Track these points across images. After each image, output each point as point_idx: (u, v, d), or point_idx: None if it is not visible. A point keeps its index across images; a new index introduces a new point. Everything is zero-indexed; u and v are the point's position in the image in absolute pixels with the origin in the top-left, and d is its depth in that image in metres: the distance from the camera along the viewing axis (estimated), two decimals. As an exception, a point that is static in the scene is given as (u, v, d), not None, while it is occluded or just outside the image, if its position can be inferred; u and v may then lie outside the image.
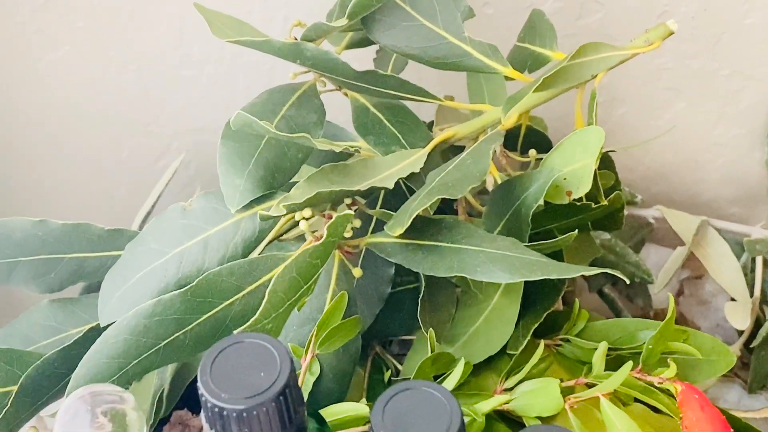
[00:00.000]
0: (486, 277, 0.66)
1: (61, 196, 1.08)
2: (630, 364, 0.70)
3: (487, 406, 0.69)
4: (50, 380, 0.73)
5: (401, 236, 0.70)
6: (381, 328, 0.79)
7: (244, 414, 0.57)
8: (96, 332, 0.73)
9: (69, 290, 0.83)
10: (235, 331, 0.66)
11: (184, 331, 0.69)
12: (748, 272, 1.01)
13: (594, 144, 0.71)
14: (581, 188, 0.72)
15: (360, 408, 0.70)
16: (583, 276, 1.00)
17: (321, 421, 0.63)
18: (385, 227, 0.70)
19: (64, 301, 0.82)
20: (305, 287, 0.66)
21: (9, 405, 0.71)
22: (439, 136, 0.80)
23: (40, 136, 1.04)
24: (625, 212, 1.14)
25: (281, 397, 0.57)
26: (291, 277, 0.65)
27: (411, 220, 0.68)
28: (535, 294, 0.77)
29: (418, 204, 0.68)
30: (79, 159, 1.06)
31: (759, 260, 1.00)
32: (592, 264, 0.94)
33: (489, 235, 0.69)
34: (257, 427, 0.57)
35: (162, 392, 0.75)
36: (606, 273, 0.97)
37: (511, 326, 0.76)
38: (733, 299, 0.99)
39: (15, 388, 0.72)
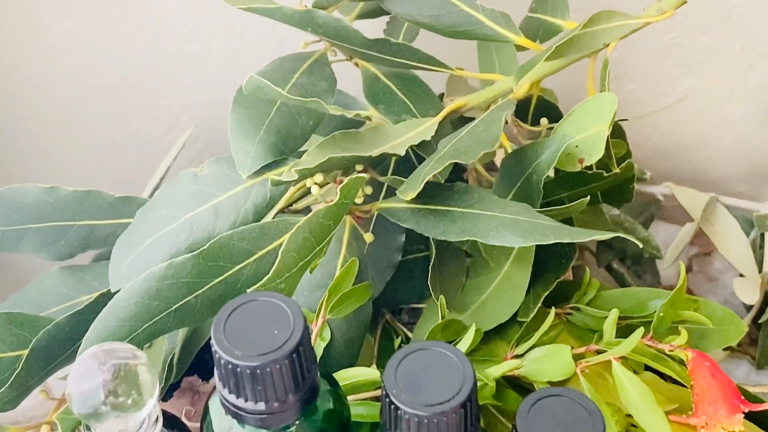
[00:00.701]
0: (498, 241, 0.66)
1: (69, 170, 1.08)
2: (641, 330, 0.70)
3: (497, 371, 0.69)
4: (61, 344, 0.73)
5: (413, 201, 0.70)
6: (391, 295, 0.79)
7: (258, 371, 0.57)
8: (107, 298, 0.72)
9: (79, 259, 0.83)
10: (248, 290, 0.66)
11: (195, 294, 0.69)
12: (757, 249, 1.00)
13: (607, 110, 0.71)
14: (594, 155, 0.71)
15: (371, 372, 0.69)
16: (591, 252, 1.00)
17: (334, 383, 0.63)
18: (397, 191, 0.70)
19: (74, 269, 0.82)
20: (318, 248, 0.66)
21: (19, 368, 0.71)
22: (450, 106, 0.80)
23: (48, 108, 1.04)
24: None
25: (295, 355, 0.57)
26: (304, 237, 0.65)
27: (423, 183, 0.67)
28: (545, 263, 0.77)
29: (431, 168, 0.68)
30: (88, 132, 1.06)
31: (768, 236, 1.00)
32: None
33: (501, 200, 0.69)
34: (270, 384, 0.57)
35: (172, 358, 0.75)
36: (615, 249, 0.98)
37: (521, 294, 0.76)
38: (741, 275, 0.99)
39: (26, 352, 0.72)
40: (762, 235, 1.01)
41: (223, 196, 0.74)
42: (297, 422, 0.60)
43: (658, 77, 1.05)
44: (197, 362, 0.77)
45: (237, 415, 0.59)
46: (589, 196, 0.71)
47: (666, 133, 1.10)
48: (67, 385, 0.59)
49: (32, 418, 0.82)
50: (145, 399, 0.58)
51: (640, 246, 0.69)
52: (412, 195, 0.68)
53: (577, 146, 0.73)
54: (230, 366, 0.57)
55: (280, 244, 0.68)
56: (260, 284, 0.64)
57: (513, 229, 0.66)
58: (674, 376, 0.71)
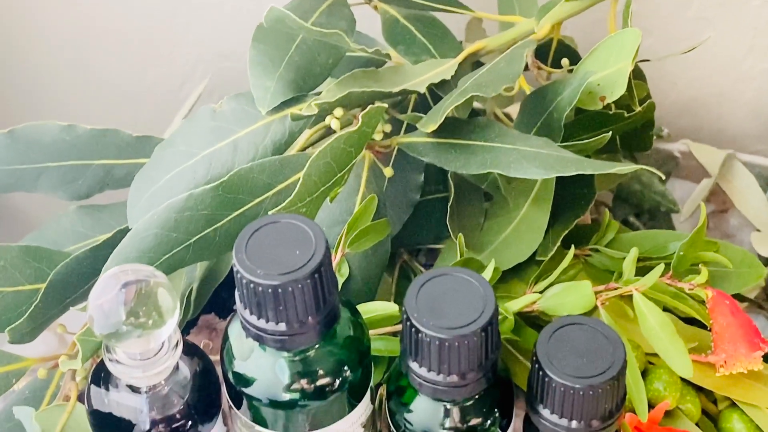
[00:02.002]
0: (519, 173, 0.66)
1: (84, 122, 1.08)
2: (662, 266, 0.70)
3: (517, 304, 0.69)
4: (79, 278, 0.72)
5: (433, 135, 0.69)
6: (409, 235, 0.78)
7: (279, 290, 0.56)
8: (124, 234, 0.72)
9: (95, 199, 0.82)
10: (270, 212, 0.65)
11: (214, 228, 0.69)
12: (774, 203, 1.00)
13: (630, 46, 0.70)
14: (616, 92, 0.71)
15: (390, 307, 0.69)
16: (607, 207, 1.00)
17: (354, 311, 0.63)
18: (417, 125, 0.69)
19: (91, 208, 0.82)
20: (339, 175, 0.65)
21: (38, 300, 0.70)
22: (470, 47, 0.79)
23: (64, 59, 1.04)
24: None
25: (316, 275, 0.57)
26: (325, 162, 0.65)
27: (444, 116, 0.67)
28: (564, 205, 0.77)
29: (452, 101, 0.68)
30: (104, 83, 1.06)
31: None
32: (619, 188, 0.94)
33: (522, 134, 0.69)
34: (291, 304, 0.57)
35: (190, 295, 0.75)
36: (631, 203, 0.97)
37: (540, 234, 0.75)
38: (758, 231, 0.98)
39: (43, 285, 0.71)
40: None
41: (242, 132, 0.74)
42: (317, 346, 0.60)
43: (676, 32, 1.04)
44: (214, 300, 0.77)
45: (258, 336, 0.59)
46: (610, 132, 0.70)
47: (684, 89, 1.09)
48: (88, 305, 0.59)
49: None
50: (165, 319, 0.58)
51: (662, 178, 0.68)
52: (433, 127, 0.67)
53: (599, 84, 0.72)
54: (252, 285, 0.57)
55: (300, 179, 0.68)
56: (281, 207, 0.64)
57: (534, 161, 0.66)
58: (694, 314, 0.71)
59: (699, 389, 0.73)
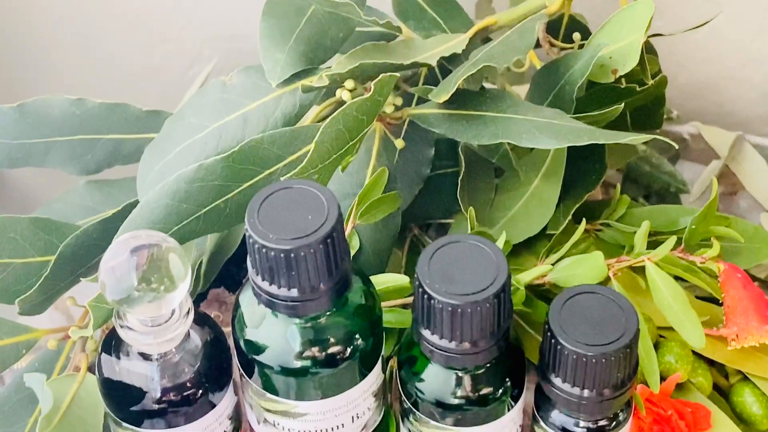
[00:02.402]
0: (531, 143, 0.66)
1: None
2: (674, 238, 0.70)
3: (528, 276, 0.68)
4: (88, 251, 0.72)
5: (444, 107, 0.69)
6: (419, 210, 0.78)
7: (291, 254, 0.56)
8: (134, 207, 0.72)
9: (105, 174, 0.82)
10: (282, 178, 0.65)
11: (224, 199, 0.68)
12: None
13: (643, 18, 0.70)
14: (628, 64, 0.71)
15: (401, 278, 0.69)
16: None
17: (366, 281, 0.63)
18: (429, 95, 0.69)
19: (100, 183, 0.82)
20: (351, 144, 0.65)
21: (48, 272, 0.70)
22: (480, 23, 0.79)
23: (71, 39, 1.03)
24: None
25: (328, 240, 0.57)
26: (338, 129, 0.64)
27: (456, 86, 0.67)
28: (575, 180, 0.77)
29: (464, 72, 0.68)
30: (111, 64, 1.06)
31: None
32: (629, 169, 0.94)
33: (534, 106, 0.68)
34: (303, 269, 0.57)
35: (200, 268, 0.75)
36: (640, 184, 0.97)
37: (551, 209, 0.75)
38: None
39: (53, 257, 0.71)
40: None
41: (252, 105, 0.74)
42: (328, 313, 0.60)
43: (686, 13, 1.04)
44: (224, 274, 0.77)
45: (269, 302, 0.59)
46: (622, 105, 0.70)
47: (694, 71, 1.08)
48: (99, 270, 0.59)
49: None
50: (177, 284, 0.58)
51: (676, 147, 0.68)
52: (445, 97, 0.67)
53: (611, 57, 0.72)
54: (264, 250, 0.57)
55: (310, 149, 0.68)
56: (294, 173, 0.64)
57: (546, 131, 0.66)
58: (705, 288, 0.71)
59: (710, 363, 0.73)
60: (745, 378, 0.72)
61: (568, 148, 0.77)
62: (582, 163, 0.78)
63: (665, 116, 1.05)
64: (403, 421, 0.66)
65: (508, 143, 0.73)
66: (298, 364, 0.60)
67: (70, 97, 0.80)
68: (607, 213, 0.77)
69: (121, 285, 0.58)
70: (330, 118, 0.64)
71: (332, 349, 0.60)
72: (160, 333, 0.60)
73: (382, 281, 0.69)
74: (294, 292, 0.58)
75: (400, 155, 0.75)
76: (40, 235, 0.73)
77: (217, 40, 1.05)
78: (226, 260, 0.77)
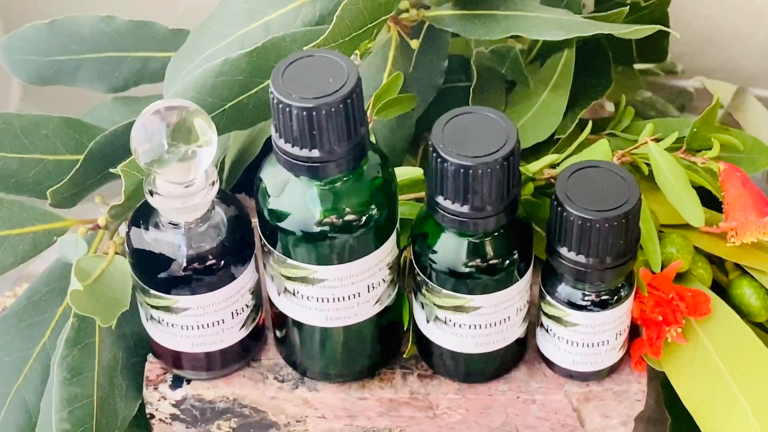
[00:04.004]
0: (541, 35, 0.69)
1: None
2: (675, 134, 0.73)
3: (537, 165, 0.72)
4: (117, 150, 0.75)
5: (458, 8, 0.73)
6: (432, 120, 0.80)
7: (313, 113, 0.60)
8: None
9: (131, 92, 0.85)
10: (304, 48, 0.69)
11: (248, 94, 0.72)
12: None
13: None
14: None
15: (416, 171, 0.72)
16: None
17: (384, 158, 0.66)
18: (444, -6, 0.73)
19: (127, 99, 0.86)
20: (369, 26, 0.69)
21: (79, 166, 0.74)
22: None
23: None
24: (666, 81, 1.16)
25: (348, 101, 0.60)
26: (357, 8, 0.68)
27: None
28: (582, 92, 0.80)
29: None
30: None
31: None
32: (636, 111, 0.97)
33: (544, 6, 0.72)
34: (324, 127, 0.60)
35: (222, 172, 0.78)
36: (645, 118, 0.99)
37: (559, 117, 0.79)
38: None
39: (83, 155, 0.75)
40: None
41: (274, 14, 0.77)
42: (346, 178, 0.63)
43: (691, -31, 1.07)
44: (245, 180, 0.80)
45: (291, 165, 0.62)
46: (628, 7, 0.74)
47: (699, 28, 1.11)
48: (132, 135, 0.62)
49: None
50: (204, 144, 0.62)
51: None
52: (459, -9, 0.71)
53: (617, -29, 0.76)
54: (287, 110, 0.60)
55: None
56: (314, 44, 0.67)
57: (555, 24, 0.69)
58: (706, 186, 0.74)
59: (710, 262, 0.76)
60: (743, 274, 0.75)
61: (576, 62, 0.80)
62: (589, 79, 0.81)
63: (670, 70, 1.08)
64: (416, 296, 0.69)
65: (519, 49, 0.76)
66: (317, 228, 0.64)
67: (99, 15, 0.83)
68: (612, 124, 0.80)
69: (152, 143, 0.61)
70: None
71: (349, 216, 0.64)
72: (187, 198, 0.64)
73: (398, 174, 0.72)
74: (315, 153, 0.61)
75: (415, 65, 0.78)
76: (70, 134, 0.77)
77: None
78: (247, 167, 0.80)
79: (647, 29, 0.70)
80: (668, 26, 0.86)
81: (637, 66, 0.94)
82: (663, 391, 0.75)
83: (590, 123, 0.76)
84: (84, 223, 0.75)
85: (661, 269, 0.71)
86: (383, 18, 0.70)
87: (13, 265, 0.73)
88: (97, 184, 0.77)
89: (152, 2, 1.06)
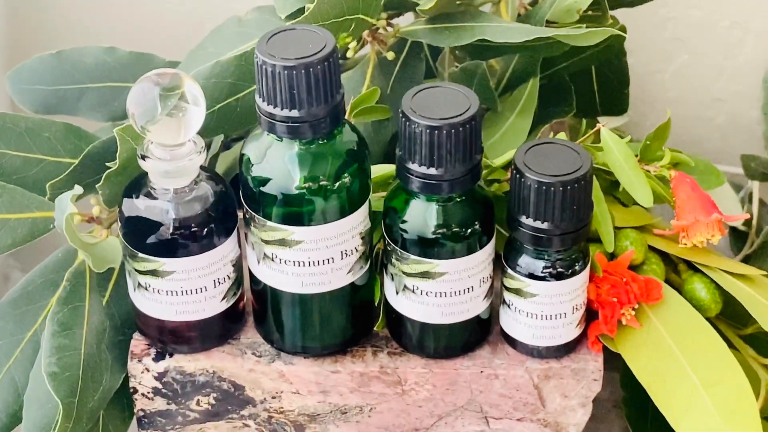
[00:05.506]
0: (504, 38, 0.76)
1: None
2: (629, 137, 0.79)
3: (500, 160, 0.77)
4: (112, 156, 0.81)
5: (431, 22, 0.80)
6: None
7: (294, 72, 0.66)
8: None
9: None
10: (287, 23, 0.75)
11: (236, 97, 0.78)
12: (745, 203, 1.08)
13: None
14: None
15: (388, 167, 0.78)
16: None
17: (361, 138, 0.72)
18: (417, 9, 0.80)
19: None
20: (346, 18, 0.75)
21: (77, 164, 0.79)
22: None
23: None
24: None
25: (326, 63, 0.67)
26: (337, -3, 0.75)
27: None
28: (546, 115, 0.87)
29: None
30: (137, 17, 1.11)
31: (756, 189, 1.08)
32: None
33: (508, 21, 0.79)
34: (303, 87, 0.67)
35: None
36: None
37: (524, 137, 0.85)
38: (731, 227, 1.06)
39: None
40: (750, 195, 1.09)
41: (264, 37, 0.84)
42: (323, 141, 0.69)
43: (655, 52, 1.15)
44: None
45: (271, 125, 0.68)
46: (584, 26, 0.80)
47: (662, 111, 1.18)
48: (127, 102, 0.69)
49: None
50: (193, 104, 0.68)
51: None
52: (431, 4, 0.78)
53: (574, 1, 0.83)
54: (270, 70, 0.66)
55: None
56: (297, 20, 0.74)
57: (517, 30, 0.76)
58: (659, 191, 0.80)
59: (664, 263, 0.81)
60: (695, 272, 0.80)
61: (542, 95, 0.87)
62: (552, 107, 0.88)
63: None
64: (386, 270, 0.74)
65: (485, 67, 0.83)
66: (296, 190, 0.69)
67: (102, 46, 0.91)
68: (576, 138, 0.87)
69: (146, 104, 0.67)
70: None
71: (324, 179, 0.69)
72: (176, 162, 0.69)
73: (372, 171, 0.78)
74: (294, 113, 0.67)
75: (394, 82, 0.85)
76: (71, 139, 0.83)
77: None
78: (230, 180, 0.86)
79: (600, 32, 0.76)
80: (628, 85, 0.93)
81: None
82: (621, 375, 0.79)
83: (552, 133, 0.83)
84: (79, 214, 0.80)
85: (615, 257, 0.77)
86: (360, 16, 0.77)
87: (10, 248, 0.78)
88: (93, 186, 0.82)
89: (151, 35, 1.10)
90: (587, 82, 0.94)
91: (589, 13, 0.84)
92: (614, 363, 0.80)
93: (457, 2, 0.82)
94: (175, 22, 1.10)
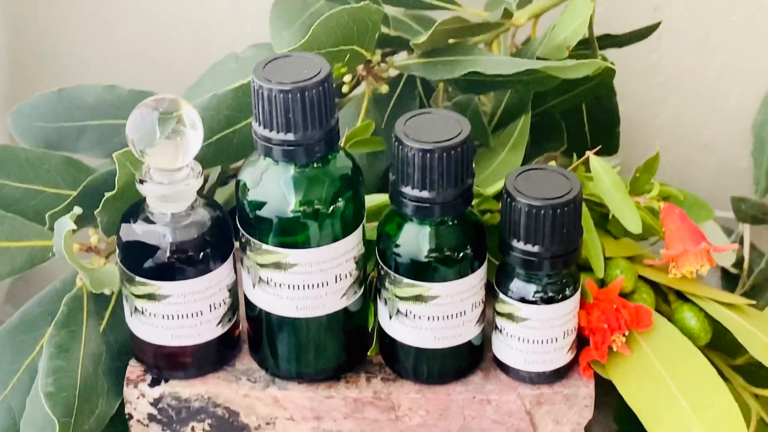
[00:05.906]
0: (495, 69, 0.78)
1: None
2: (619, 167, 0.81)
3: (492, 189, 0.79)
4: (110, 189, 0.83)
5: (424, 56, 0.82)
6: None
7: (289, 95, 0.68)
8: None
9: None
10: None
11: (233, 129, 0.80)
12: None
13: (584, 8, 0.83)
14: (577, 37, 0.83)
15: (382, 197, 0.79)
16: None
17: (355, 164, 0.73)
18: (410, 43, 0.82)
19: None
20: (342, 48, 0.77)
21: (76, 194, 0.80)
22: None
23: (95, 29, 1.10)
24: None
25: (321, 87, 0.68)
26: (331, 26, 0.75)
27: (432, 31, 0.80)
28: (537, 150, 0.89)
29: (437, 24, 0.81)
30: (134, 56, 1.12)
31: (746, 232, 1.09)
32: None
33: (499, 55, 0.81)
34: (299, 110, 0.68)
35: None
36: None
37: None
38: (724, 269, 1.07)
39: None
40: (741, 238, 1.11)
41: (261, 73, 0.86)
42: (317, 165, 0.71)
43: (646, 98, 1.17)
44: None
45: (267, 149, 0.70)
46: (574, 61, 0.82)
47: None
48: (126, 128, 0.70)
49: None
50: (190, 129, 0.70)
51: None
52: (423, 39, 0.80)
53: (564, 38, 0.85)
54: (266, 94, 0.68)
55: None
56: (292, 49, 0.76)
57: (507, 63, 0.78)
58: (649, 222, 0.81)
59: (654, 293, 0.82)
60: (685, 302, 0.81)
61: (533, 133, 0.89)
62: (544, 143, 0.90)
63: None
64: (380, 294, 0.75)
65: (477, 102, 0.85)
66: (291, 213, 0.70)
67: (103, 84, 0.92)
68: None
69: (145, 129, 0.69)
70: (327, 15, 0.76)
71: (319, 202, 0.71)
72: (174, 186, 0.71)
73: (366, 201, 0.79)
74: (290, 136, 0.69)
75: (389, 116, 0.86)
76: (70, 171, 0.84)
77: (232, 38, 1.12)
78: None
79: (589, 64, 0.78)
80: (619, 123, 0.95)
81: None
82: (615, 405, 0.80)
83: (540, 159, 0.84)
84: (78, 243, 0.81)
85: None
86: (355, 48, 0.79)
87: (9, 275, 0.79)
88: (90, 219, 0.84)
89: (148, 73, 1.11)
90: (578, 121, 0.96)
91: (579, 52, 0.86)
92: (607, 399, 0.81)
93: (450, 41, 0.84)
94: (176, 59, 1.12)
